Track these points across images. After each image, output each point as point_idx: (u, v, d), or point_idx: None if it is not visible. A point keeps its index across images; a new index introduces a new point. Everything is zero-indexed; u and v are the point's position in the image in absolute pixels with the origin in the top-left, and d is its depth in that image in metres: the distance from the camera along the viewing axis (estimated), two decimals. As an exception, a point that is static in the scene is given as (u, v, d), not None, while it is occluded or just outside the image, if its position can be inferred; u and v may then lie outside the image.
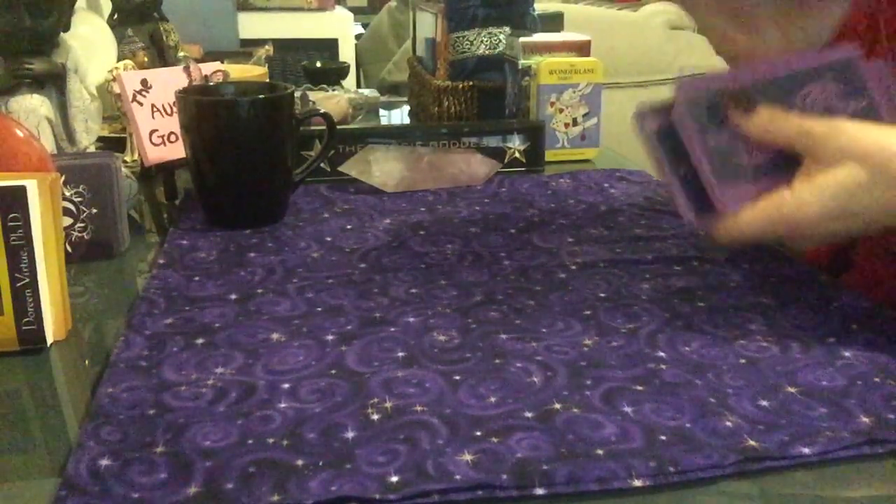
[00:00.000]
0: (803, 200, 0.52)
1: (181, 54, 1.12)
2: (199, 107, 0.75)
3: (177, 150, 0.84)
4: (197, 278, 0.65)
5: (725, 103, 0.55)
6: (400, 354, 0.52)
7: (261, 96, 0.78)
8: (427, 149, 0.91)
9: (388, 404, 0.46)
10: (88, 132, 0.77)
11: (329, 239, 0.73)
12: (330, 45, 2.70)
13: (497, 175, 0.91)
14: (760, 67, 0.56)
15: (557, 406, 0.46)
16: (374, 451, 0.42)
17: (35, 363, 0.54)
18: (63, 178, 0.66)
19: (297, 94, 0.98)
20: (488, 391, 0.48)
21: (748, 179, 0.55)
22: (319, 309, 0.59)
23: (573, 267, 0.67)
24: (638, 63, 2.08)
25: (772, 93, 0.55)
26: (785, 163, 0.54)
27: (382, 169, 0.88)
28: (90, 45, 0.98)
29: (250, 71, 1.23)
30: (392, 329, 0.56)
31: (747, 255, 0.69)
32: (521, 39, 1.01)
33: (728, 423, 0.44)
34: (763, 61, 0.58)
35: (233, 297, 0.61)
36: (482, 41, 1.10)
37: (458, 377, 0.49)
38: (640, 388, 0.48)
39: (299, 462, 0.41)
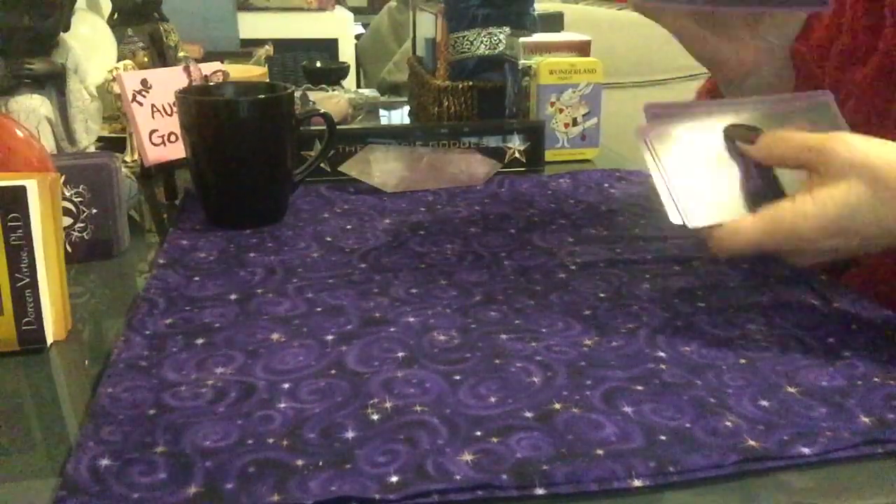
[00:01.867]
0: (805, 212, 0.51)
1: (181, 54, 1.12)
2: (199, 107, 0.75)
3: (177, 150, 0.84)
4: (197, 278, 0.65)
5: (733, 136, 0.57)
6: (400, 354, 0.52)
7: (261, 96, 0.78)
8: (427, 149, 0.91)
9: (388, 404, 0.46)
10: (88, 132, 0.77)
11: (329, 239, 0.73)
12: (330, 45, 2.71)
13: (497, 175, 0.91)
14: (727, 104, 0.59)
15: (557, 406, 0.46)
16: (374, 451, 0.42)
17: (35, 363, 0.54)
18: (63, 178, 0.66)
19: (297, 94, 0.98)
20: (488, 391, 0.48)
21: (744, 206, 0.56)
22: (319, 309, 0.59)
23: (573, 267, 0.67)
24: (638, 63, 2.07)
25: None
26: (775, 191, 0.55)
27: (382, 169, 0.88)
28: (90, 45, 0.98)
29: (250, 71, 1.23)
30: (392, 329, 0.56)
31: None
32: (521, 39, 1.01)
33: (728, 423, 0.44)
34: (730, 100, 0.59)
35: (233, 297, 0.61)
36: (482, 41, 1.10)
37: (458, 377, 0.49)
38: (640, 388, 0.48)
39: (299, 462, 0.41)
